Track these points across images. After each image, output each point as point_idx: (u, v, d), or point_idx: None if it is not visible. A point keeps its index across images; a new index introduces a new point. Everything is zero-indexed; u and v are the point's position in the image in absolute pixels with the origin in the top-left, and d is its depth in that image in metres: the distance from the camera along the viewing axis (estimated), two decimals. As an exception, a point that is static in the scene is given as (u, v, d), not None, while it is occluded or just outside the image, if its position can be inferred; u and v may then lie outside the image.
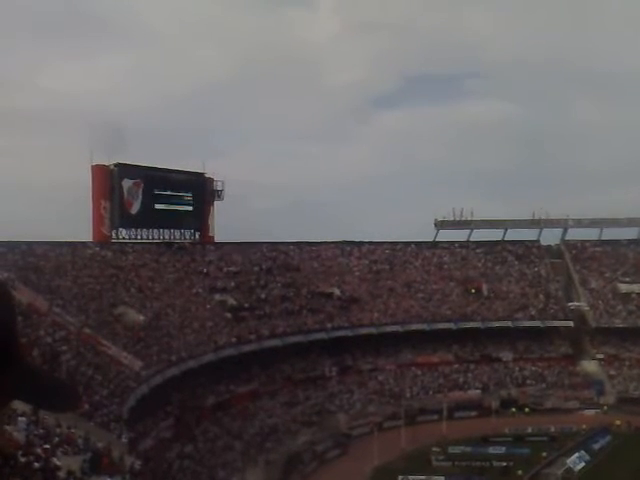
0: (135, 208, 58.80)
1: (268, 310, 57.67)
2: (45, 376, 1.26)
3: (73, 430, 26.76)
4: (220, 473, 39.04)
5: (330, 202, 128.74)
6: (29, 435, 21.48)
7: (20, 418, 21.58)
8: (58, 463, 20.38)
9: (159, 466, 34.78)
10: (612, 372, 62.75)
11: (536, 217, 74.53)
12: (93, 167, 56.75)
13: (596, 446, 47.83)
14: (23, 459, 17.95)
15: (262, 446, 44.77)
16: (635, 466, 44.36)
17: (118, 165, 57.55)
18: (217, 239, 65.64)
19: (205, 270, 59.53)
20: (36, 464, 18.45)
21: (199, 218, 63.81)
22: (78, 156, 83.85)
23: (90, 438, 26.93)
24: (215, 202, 65.43)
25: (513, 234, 76.24)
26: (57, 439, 24.02)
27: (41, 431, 23.42)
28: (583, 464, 43.86)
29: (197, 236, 64.06)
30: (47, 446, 21.54)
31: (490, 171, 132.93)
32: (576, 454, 44.71)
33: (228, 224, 70.78)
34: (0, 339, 1.15)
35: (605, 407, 58.09)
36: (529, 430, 51.40)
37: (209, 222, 65.17)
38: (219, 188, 65.66)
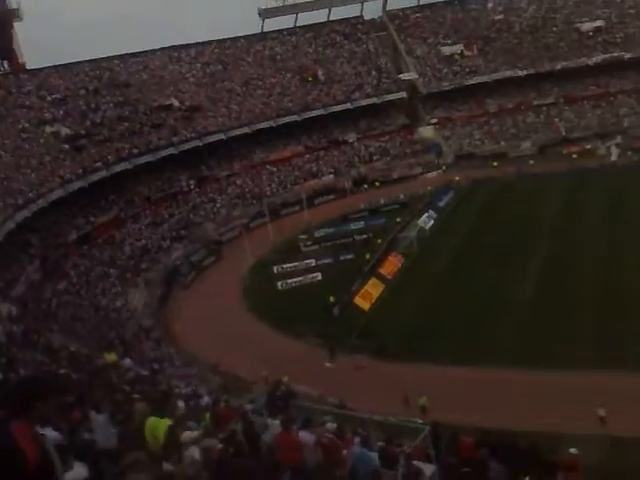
0: None
1: (107, 134, 54.64)
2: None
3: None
4: (102, 301, 38.99)
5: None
6: None
7: None
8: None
9: (37, 307, 34.05)
10: (446, 133, 67.39)
11: (357, -9, 73.95)
12: None
13: (441, 203, 52.61)
14: None
15: (138, 268, 44.88)
16: (477, 208, 49.97)
17: None
18: (29, 66, 59.18)
19: (27, 102, 54.23)
20: None
21: (2, 44, 56.50)
22: None
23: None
24: (15, 23, 57.91)
25: (338, 13, 75.84)
26: None
27: None
28: (432, 222, 48.18)
29: (6, 66, 57.21)
30: None
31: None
32: (425, 214, 48.85)
33: (38, 47, 63.66)
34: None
35: (444, 167, 63.30)
36: (382, 201, 55.08)
37: (14, 47, 58.04)
38: (14, 7, 57.84)
